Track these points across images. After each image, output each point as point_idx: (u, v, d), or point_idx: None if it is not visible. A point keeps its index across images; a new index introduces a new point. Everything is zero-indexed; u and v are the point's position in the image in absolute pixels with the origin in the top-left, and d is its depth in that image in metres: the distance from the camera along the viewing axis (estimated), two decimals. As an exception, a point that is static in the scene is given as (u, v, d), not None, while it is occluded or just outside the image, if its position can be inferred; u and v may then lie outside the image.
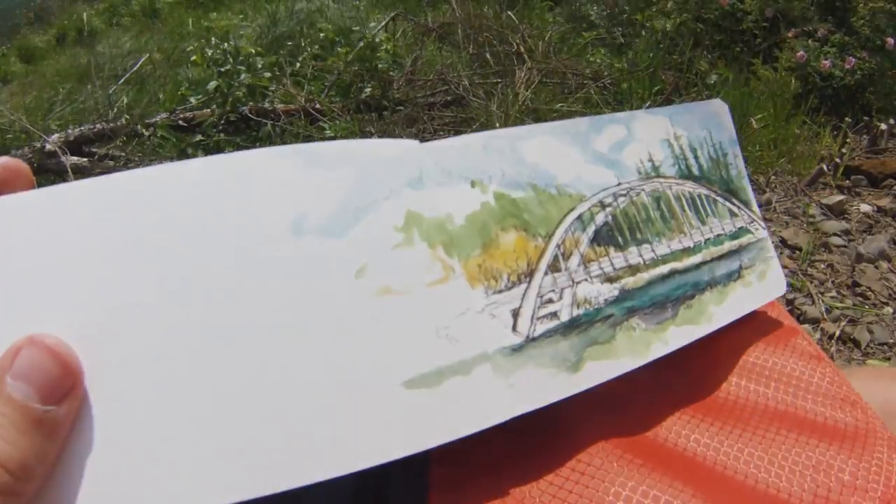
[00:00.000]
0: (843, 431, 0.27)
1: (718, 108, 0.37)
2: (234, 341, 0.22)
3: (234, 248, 0.23)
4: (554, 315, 0.27)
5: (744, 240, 0.35)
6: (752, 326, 0.35)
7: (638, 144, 0.33)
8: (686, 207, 0.33)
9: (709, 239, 0.34)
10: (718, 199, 0.35)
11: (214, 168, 0.24)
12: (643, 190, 0.32)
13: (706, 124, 0.36)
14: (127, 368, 0.21)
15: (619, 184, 0.31)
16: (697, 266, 0.32)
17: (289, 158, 0.24)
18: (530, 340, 0.26)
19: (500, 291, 0.26)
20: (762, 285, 0.35)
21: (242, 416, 0.21)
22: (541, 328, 0.27)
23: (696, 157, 0.35)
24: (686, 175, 0.34)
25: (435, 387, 0.24)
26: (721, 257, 0.34)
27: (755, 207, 0.37)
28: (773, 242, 0.36)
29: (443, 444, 0.23)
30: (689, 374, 0.32)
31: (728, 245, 0.34)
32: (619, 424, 0.29)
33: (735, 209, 0.36)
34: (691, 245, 0.33)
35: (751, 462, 0.26)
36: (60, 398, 0.19)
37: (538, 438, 0.27)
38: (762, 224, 0.37)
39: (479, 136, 0.28)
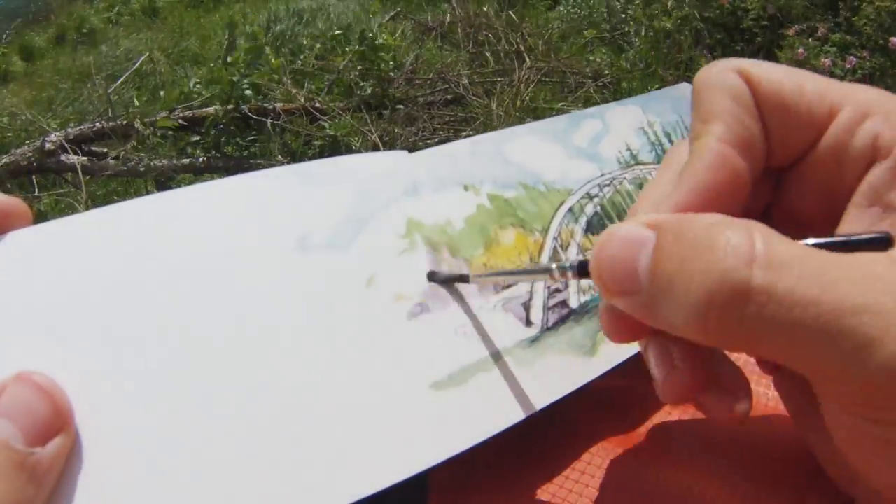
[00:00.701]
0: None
1: (687, 91, 0.39)
2: (248, 367, 0.21)
3: (242, 272, 0.23)
4: (564, 303, 0.28)
5: None
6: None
7: (614, 135, 0.34)
8: None
9: None
10: None
11: (213, 195, 0.24)
12: (625, 178, 0.33)
13: (677, 108, 0.38)
14: (128, 406, 0.20)
15: (602, 174, 0.32)
16: None
17: (286, 180, 0.25)
18: (546, 330, 0.27)
19: (509, 286, 0.27)
20: None
21: (264, 446, 0.20)
22: (553, 317, 0.27)
23: (670, 141, 0.36)
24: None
25: (463, 385, 0.24)
26: None
27: None
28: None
29: (481, 442, 0.23)
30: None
31: None
32: (619, 424, 0.29)
33: None
34: None
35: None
36: (47, 440, 0.18)
37: (537, 438, 0.26)
38: None
39: (465, 143, 0.30)
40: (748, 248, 0.14)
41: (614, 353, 0.28)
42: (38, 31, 4.49)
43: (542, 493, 0.25)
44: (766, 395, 0.31)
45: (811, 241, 0.15)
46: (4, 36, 4.26)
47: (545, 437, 0.27)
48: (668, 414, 0.29)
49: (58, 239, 0.21)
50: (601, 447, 0.26)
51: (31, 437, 0.17)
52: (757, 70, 0.19)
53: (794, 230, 0.19)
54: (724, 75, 0.19)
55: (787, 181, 0.20)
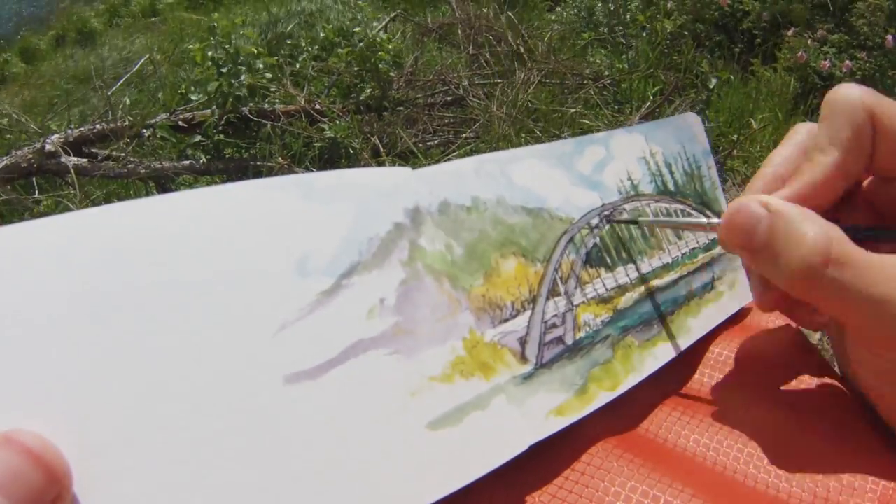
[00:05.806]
0: (842, 432, 0.27)
1: (692, 121, 0.38)
2: (238, 401, 0.20)
3: (237, 294, 0.21)
4: (560, 340, 0.28)
5: (715, 251, 0.37)
6: (752, 327, 0.36)
7: (617, 163, 0.33)
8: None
9: (685, 253, 0.35)
10: (693, 212, 0.36)
11: (207, 204, 0.22)
12: (625, 209, 0.33)
13: (680, 139, 0.37)
14: (126, 459, 0.18)
15: (602, 204, 0.32)
16: (675, 282, 0.33)
17: (286, 192, 0.23)
18: (540, 367, 0.26)
19: (506, 320, 0.26)
20: (732, 294, 0.36)
21: (260, 484, 0.19)
22: (549, 354, 0.27)
23: (671, 173, 0.36)
24: (662, 191, 0.35)
25: (458, 424, 0.23)
26: (695, 271, 0.35)
27: None
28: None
29: (473, 481, 0.23)
30: (688, 376, 0.33)
31: (701, 258, 0.35)
32: (619, 424, 0.29)
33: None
34: (669, 261, 0.34)
35: (750, 462, 0.26)
36: None
37: (537, 439, 0.27)
38: None
39: (470, 161, 0.28)
40: (824, 244, 0.21)
41: (605, 393, 0.28)
42: (38, 33, 4.50)
43: (542, 494, 0.25)
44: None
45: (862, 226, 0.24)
46: (5, 38, 4.27)
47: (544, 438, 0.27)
48: (669, 414, 0.29)
49: (28, 244, 0.18)
50: (601, 447, 0.26)
51: None
52: (880, 109, 0.25)
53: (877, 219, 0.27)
54: (853, 108, 0.25)
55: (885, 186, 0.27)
